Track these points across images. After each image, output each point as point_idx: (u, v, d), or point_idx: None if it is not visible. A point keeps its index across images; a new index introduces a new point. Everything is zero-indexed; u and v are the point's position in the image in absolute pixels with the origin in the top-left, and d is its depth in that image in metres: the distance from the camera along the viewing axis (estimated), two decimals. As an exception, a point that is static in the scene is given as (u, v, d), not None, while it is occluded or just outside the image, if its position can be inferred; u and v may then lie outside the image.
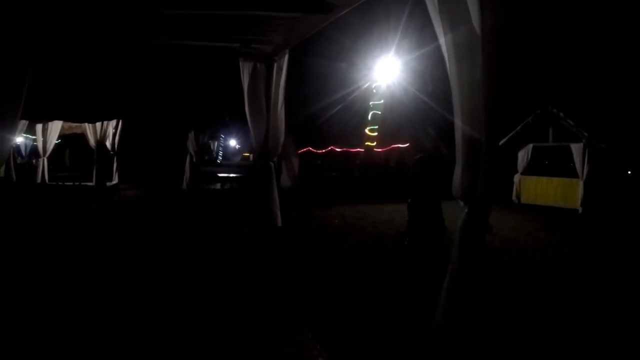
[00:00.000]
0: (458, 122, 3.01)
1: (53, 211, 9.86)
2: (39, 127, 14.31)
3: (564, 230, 10.68)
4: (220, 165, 34.73)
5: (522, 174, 16.71)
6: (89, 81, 8.64)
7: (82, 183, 13.82)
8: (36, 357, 3.37)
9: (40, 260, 6.00)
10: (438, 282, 3.29)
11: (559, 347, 3.97)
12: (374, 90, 21.16)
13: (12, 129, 4.40)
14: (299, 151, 20.16)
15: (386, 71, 19.88)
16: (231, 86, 8.25)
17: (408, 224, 4.78)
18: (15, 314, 4.11)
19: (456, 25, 2.96)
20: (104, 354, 3.41)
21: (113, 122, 14.69)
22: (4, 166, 11.64)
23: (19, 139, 18.19)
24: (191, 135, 17.15)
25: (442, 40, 3.10)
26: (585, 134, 14.10)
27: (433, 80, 17.71)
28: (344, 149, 23.06)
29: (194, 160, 17.31)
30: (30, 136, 17.39)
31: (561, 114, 14.90)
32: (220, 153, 42.85)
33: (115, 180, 15.56)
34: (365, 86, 21.20)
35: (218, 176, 18.68)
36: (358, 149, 22.23)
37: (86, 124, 14.19)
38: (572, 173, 15.27)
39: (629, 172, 17.62)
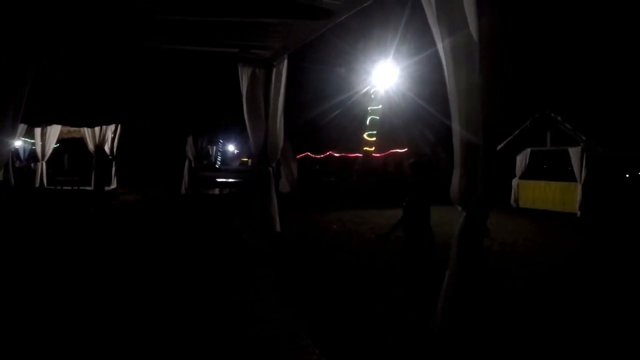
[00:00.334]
0: (456, 127, 3.03)
1: (52, 215, 9.86)
2: (37, 131, 14.30)
3: (562, 234, 10.69)
4: (218, 170, 34.68)
5: (520, 178, 16.74)
6: (88, 86, 8.67)
7: (81, 187, 13.81)
8: (36, 358, 3.38)
9: (39, 264, 6.00)
10: (436, 284, 3.31)
11: (557, 348, 3.98)
12: (372, 96, 21.17)
13: (13, 131, 4.42)
14: (298, 156, 20.17)
15: (384, 76, 19.90)
16: (230, 91, 8.28)
17: (399, 221, 4.80)
18: (15, 317, 4.10)
19: (454, 30, 2.99)
20: (104, 356, 3.41)
21: (112, 127, 14.69)
22: (2, 170, 11.62)
23: (18, 143, 18.17)
24: (190, 140, 17.17)
25: (440, 45, 3.13)
26: (583, 138, 14.14)
27: (431, 85, 17.74)
28: (343, 154, 23.03)
29: (193, 165, 17.32)
30: (29, 140, 17.38)
31: (559, 118, 14.94)
32: (219, 158, 42.81)
33: (113, 185, 15.55)
34: (364, 91, 21.21)
35: (217, 181, 18.69)
36: (356, 154, 22.21)
37: (85, 128, 14.18)
38: (570, 177, 15.30)
39: (627, 176, 17.66)
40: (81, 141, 15.24)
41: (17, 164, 17.46)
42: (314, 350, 3.55)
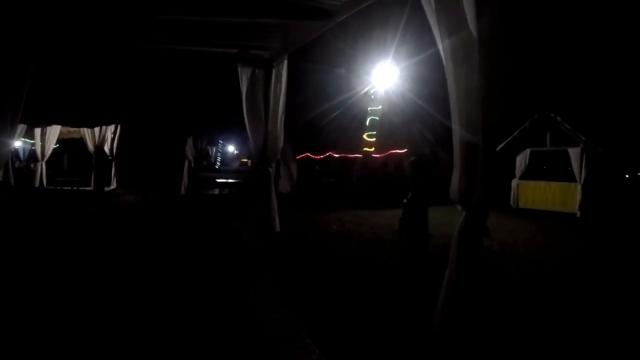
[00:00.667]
0: (456, 127, 3.03)
1: (52, 216, 9.85)
2: (37, 131, 14.29)
3: (562, 234, 10.69)
4: (218, 170, 34.71)
5: (520, 178, 16.74)
6: (88, 86, 8.67)
7: (81, 188, 13.80)
8: (37, 355, 3.37)
9: (39, 265, 6.00)
10: (436, 285, 3.30)
11: (557, 348, 3.98)
12: (372, 96, 21.15)
13: (13, 132, 4.41)
14: (298, 157, 20.16)
15: (384, 77, 19.90)
16: (230, 92, 8.27)
17: (400, 221, 4.80)
18: (15, 317, 4.10)
19: (454, 31, 2.99)
20: (104, 356, 3.41)
21: (111, 127, 14.67)
22: (2, 170, 11.62)
23: (18, 143, 18.16)
24: (190, 140, 17.18)
25: (439, 46, 3.13)
26: (583, 138, 14.15)
27: (431, 85, 17.74)
28: (342, 154, 23.03)
29: (193, 165, 17.32)
30: (29, 140, 17.37)
31: (558, 119, 14.95)
32: (219, 158, 42.83)
33: (113, 185, 15.54)
34: (363, 92, 21.21)
35: (216, 182, 18.69)
36: (356, 155, 22.20)
37: (84, 128, 14.17)
38: (569, 177, 15.30)
39: (627, 176, 17.67)
40: (81, 141, 15.23)
41: (16, 165, 17.46)
42: (314, 350, 3.55)
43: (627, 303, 5.49)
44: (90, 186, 14.52)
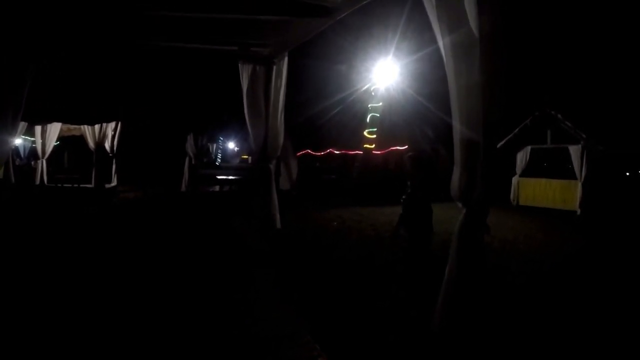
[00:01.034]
0: (456, 124, 3.03)
1: (53, 214, 9.86)
2: (38, 128, 14.29)
3: (563, 232, 10.70)
4: (219, 167, 34.67)
5: (520, 175, 16.74)
6: (88, 83, 8.67)
7: (81, 185, 13.81)
8: (36, 357, 3.37)
9: (40, 263, 6.01)
10: (437, 284, 3.31)
11: (557, 347, 3.99)
12: (373, 93, 21.13)
13: (13, 130, 4.42)
14: (298, 153, 20.16)
15: (385, 74, 19.89)
16: (230, 88, 8.27)
17: (400, 218, 4.79)
18: (15, 315, 4.11)
19: (454, 28, 2.99)
20: (104, 354, 3.42)
21: (112, 124, 14.67)
22: (2, 168, 11.62)
23: (18, 141, 18.16)
24: (190, 137, 17.18)
25: (440, 43, 3.13)
26: (584, 136, 14.14)
27: (432, 82, 17.72)
28: (343, 151, 23.02)
29: (193, 162, 17.33)
30: (29, 138, 17.36)
31: (559, 116, 14.94)
32: (219, 155, 42.80)
33: (114, 183, 15.55)
34: (364, 88, 21.19)
35: (217, 178, 18.68)
36: (356, 152, 22.19)
37: (85, 125, 14.18)
38: (570, 175, 15.30)
39: (627, 174, 17.66)
40: (81, 139, 15.23)
41: (17, 162, 17.45)
42: (315, 346, 3.56)
43: (628, 301, 5.50)
44: (90, 183, 14.52)
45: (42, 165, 14.68)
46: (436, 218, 4.63)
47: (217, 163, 38.90)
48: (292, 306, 4.58)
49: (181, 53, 7.41)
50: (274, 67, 6.97)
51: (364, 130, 21.46)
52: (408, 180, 4.74)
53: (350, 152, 22.71)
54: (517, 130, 15.97)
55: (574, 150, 14.45)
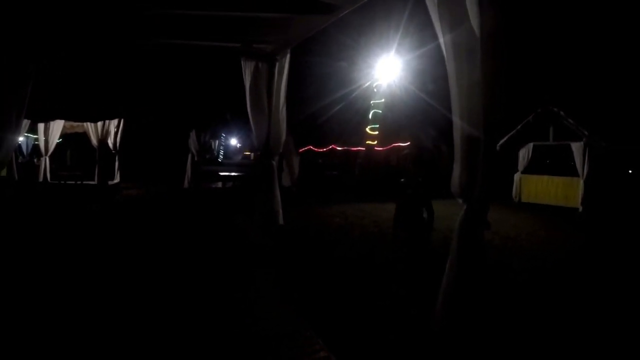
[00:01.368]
0: (457, 121, 3.04)
1: (56, 211, 9.90)
2: (40, 126, 14.32)
3: (565, 229, 10.71)
4: (221, 164, 34.74)
5: (522, 172, 16.75)
6: (91, 81, 8.67)
7: (84, 182, 13.86)
8: (37, 355, 3.41)
9: (43, 260, 6.05)
10: (437, 281, 3.32)
11: (558, 344, 4.01)
12: (375, 89, 21.17)
13: (17, 129, 4.44)
14: (300, 150, 20.19)
15: (387, 70, 19.92)
16: (232, 85, 8.28)
17: (396, 214, 4.80)
18: (18, 312, 4.15)
19: (455, 25, 3.00)
20: (105, 352, 3.45)
21: (115, 121, 14.69)
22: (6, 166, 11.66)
23: (21, 139, 18.22)
24: (193, 134, 17.20)
25: (441, 41, 3.14)
26: (586, 133, 14.12)
27: (434, 79, 17.73)
28: (345, 147, 23.07)
29: (196, 159, 17.36)
30: (32, 135, 17.41)
31: (562, 113, 14.92)
32: (222, 152, 42.89)
33: (117, 179, 15.59)
34: (366, 85, 21.23)
35: (219, 175, 18.71)
36: (359, 148, 22.23)
37: (88, 123, 14.20)
38: (572, 172, 15.29)
39: (630, 171, 17.64)
40: (84, 136, 15.27)
41: (20, 160, 17.51)
42: (317, 341, 3.58)
43: (629, 299, 5.51)
44: (93, 180, 14.57)
45: (45, 162, 14.72)
46: (438, 214, 4.65)
47: (219, 159, 38.98)
48: (293, 305, 4.59)
49: (184, 50, 7.41)
50: (277, 64, 6.98)
51: (366, 127, 21.49)
52: (405, 176, 4.74)
53: (353, 149, 22.76)
54: (519, 127, 15.96)
55: (576, 147, 14.44)
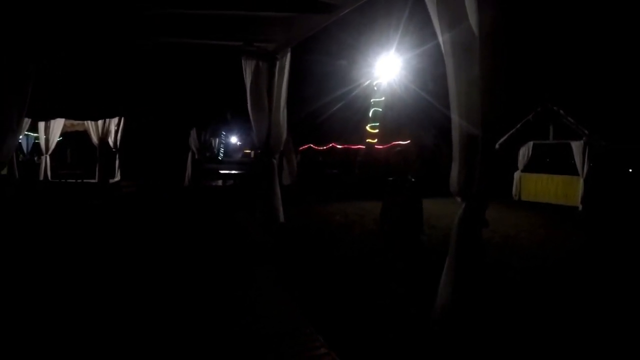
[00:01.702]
0: (456, 120, 3.06)
1: (57, 209, 9.92)
2: (41, 125, 14.33)
3: (565, 227, 10.72)
4: (221, 162, 34.78)
5: (522, 171, 16.76)
6: (92, 79, 8.68)
7: (85, 180, 13.88)
8: (37, 352, 3.42)
9: (44, 259, 6.07)
10: (436, 279, 3.34)
11: (558, 343, 4.03)
12: (375, 88, 21.18)
13: (18, 128, 4.46)
14: (301, 148, 20.21)
15: (387, 68, 19.93)
16: (233, 84, 8.29)
17: (381, 213, 4.78)
18: (19, 310, 4.17)
19: (454, 24, 3.01)
20: (105, 350, 3.47)
21: (115, 120, 14.71)
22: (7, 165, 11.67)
23: (21, 137, 18.21)
24: (193, 132, 17.22)
25: (440, 39, 3.16)
26: (586, 132, 14.13)
27: (434, 77, 17.75)
28: (345, 146, 23.09)
29: (196, 157, 17.38)
30: (32, 134, 17.41)
31: (561, 112, 14.93)
32: (222, 150, 42.88)
33: (117, 177, 15.61)
34: (367, 83, 21.24)
35: (220, 173, 18.74)
36: (359, 146, 22.25)
37: (88, 121, 14.21)
38: (572, 170, 15.31)
39: (630, 170, 17.66)
40: (84, 134, 15.28)
41: (20, 158, 17.52)
42: (318, 337, 3.60)
43: (629, 298, 5.53)
44: (93, 178, 14.59)
45: (46, 161, 14.74)
46: (437, 213, 4.66)
47: (219, 158, 38.98)
48: (294, 303, 4.61)
49: (184, 49, 7.43)
50: (277, 63, 7.00)
51: (367, 125, 21.51)
52: (394, 174, 4.73)
53: (353, 147, 22.76)
54: (519, 125, 15.96)
55: (576, 146, 14.45)
